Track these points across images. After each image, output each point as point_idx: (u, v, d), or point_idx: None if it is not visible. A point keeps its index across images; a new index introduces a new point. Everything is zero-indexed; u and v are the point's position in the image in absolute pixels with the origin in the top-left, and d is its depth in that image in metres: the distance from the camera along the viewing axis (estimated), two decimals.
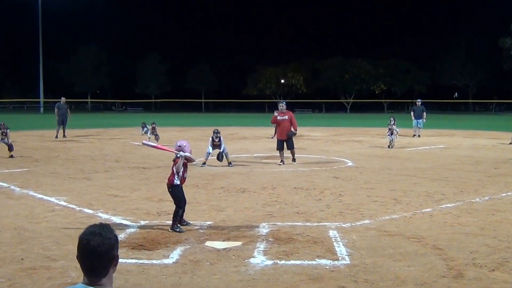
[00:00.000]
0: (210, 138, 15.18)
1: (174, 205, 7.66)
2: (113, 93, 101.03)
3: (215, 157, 14.90)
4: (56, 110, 26.63)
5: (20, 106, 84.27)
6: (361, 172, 13.96)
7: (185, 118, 55.39)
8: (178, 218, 7.53)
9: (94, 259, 2.44)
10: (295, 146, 16.06)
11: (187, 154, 7.61)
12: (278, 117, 15.65)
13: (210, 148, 15.03)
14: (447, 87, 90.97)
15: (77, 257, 2.50)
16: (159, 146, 8.82)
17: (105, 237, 2.46)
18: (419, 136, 27.04)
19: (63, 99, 27.10)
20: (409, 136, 26.77)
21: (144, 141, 8.51)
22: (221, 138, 15.12)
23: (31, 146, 21.01)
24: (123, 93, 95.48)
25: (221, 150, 14.87)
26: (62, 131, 26.16)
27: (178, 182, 7.64)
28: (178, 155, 7.58)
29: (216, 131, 15.19)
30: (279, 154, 15.62)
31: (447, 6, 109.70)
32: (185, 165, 7.70)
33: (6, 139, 16.84)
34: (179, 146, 7.67)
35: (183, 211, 7.63)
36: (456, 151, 19.71)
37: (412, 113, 28.12)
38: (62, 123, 26.17)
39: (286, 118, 15.58)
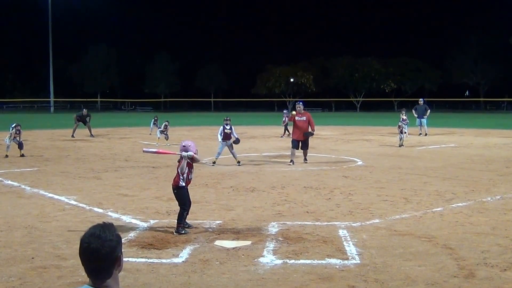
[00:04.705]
0: (221, 127, 14.95)
1: (179, 207, 7.60)
2: (122, 92, 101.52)
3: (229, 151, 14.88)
4: (75, 117, 26.86)
5: (30, 106, 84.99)
6: (371, 171, 13.90)
7: (194, 118, 55.54)
8: (183, 220, 7.47)
9: (96, 262, 2.39)
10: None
11: (190, 153, 7.49)
12: (296, 118, 15.55)
13: (220, 136, 14.85)
14: (458, 85, 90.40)
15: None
16: (161, 150, 8.72)
17: (106, 239, 2.40)
18: (426, 134, 26.95)
19: (84, 111, 27.18)
20: (418, 135, 26.68)
21: (144, 149, 8.42)
22: (232, 127, 14.90)
23: (41, 146, 21.15)
24: (133, 92, 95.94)
25: (234, 140, 14.73)
26: (88, 130, 26.76)
27: (184, 184, 7.56)
28: (182, 156, 7.51)
29: (227, 118, 14.97)
30: (290, 152, 15.53)
31: (458, 4, 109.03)
32: (190, 166, 7.59)
33: (18, 137, 17.03)
34: (184, 146, 7.58)
35: (187, 213, 7.60)
36: (467, 150, 19.57)
37: (414, 111, 28.03)
38: (83, 123, 26.67)
39: (304, 119, 15.49)
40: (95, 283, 2.42)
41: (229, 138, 14.84)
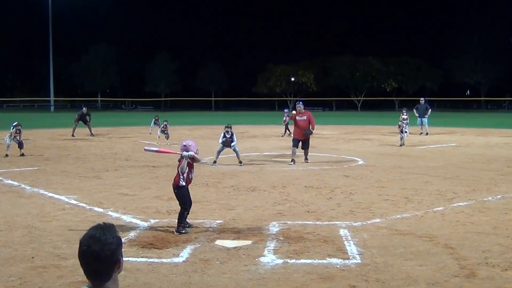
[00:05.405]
0: (222, 133, 15.12)
1: (179, 207, 7.59)
2: (123, 92, 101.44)
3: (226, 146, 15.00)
4: (76, 116, 27.02)
5: (30, 105, 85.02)
6: (372, 170, 13.88)
7: (194, 117, 55.51)
8: (184, 219, 7.45)
9: (95, 264, 2.37)
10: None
11: (190, 153, 7.45)
12: (297, 117, 15.60)
13: (221, 142, 14.96)
14: (459, 84, 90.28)
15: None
16: (162, 149, 8.71)
17: (106, 242, 2.38)
18: (427, 134, 26.95)
19: (84, 109, 27.26)
20: (419, 134, 26.69)
21: (145, 147, 8.43)
22: (233, 133, 15.05)
23: (41, 145, 21.13)
24: (133, 92, 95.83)
25: (232, 146, 14.86)
26: (89, 129, 26.89)
27: (184, 184, 7.53)
28: (182, 155, 7.49)
29: (228, 125, 15.11)
30: (291, 151, 15.52)
31: (459, 3, 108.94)
32: (190, 166, 7.55)
33: (18, 136, 17.00)
34: (184, 146, 7.55)
35: (188, 212, 7.58)
36: (468, 149, 19.55)
37: (415, 110, 28.01)
38: (83, 122, 26.90)
39: (305, 118, 15.53)
40: (94, 285, 2.41)
41: (229, 145, 14.94)
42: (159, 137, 22.21)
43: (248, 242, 6.89)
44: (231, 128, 15.07)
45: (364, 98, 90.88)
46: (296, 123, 15.66)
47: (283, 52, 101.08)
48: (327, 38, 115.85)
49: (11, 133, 17.03)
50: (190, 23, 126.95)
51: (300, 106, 15.88)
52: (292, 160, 15.28)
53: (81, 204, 9.30)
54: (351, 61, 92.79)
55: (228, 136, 14.89)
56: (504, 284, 5.40)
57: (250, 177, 12.62)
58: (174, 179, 7.61)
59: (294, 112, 15.99)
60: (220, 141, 15.08)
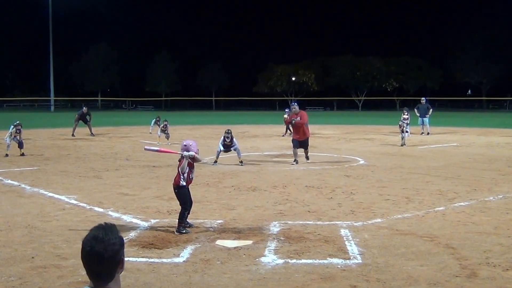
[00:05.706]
0: (222, 137, 15.19)
1: (180, 206, 7.57)
2: (123, 91, 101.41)
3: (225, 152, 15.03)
4: (77, 116, 27.12)
5: (30, 105, 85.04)
6: (373, 170, 13.86)
7: (195, 117, 55.48)
8: (184, 219, 7.43)
9: (99, 265, 2.37)
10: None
11: (191, 153, 7.41)
12: (293, 120, 15.64)
13: (221, 146, 15.04)
14: (460, 84, 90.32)
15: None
16: (162, 149, 8.69)
17: (109, 242, 2.38)
18: (428, 133, 26.92)
19: (84, 109, 27.33)
20: (420, 134, 26.67)
21: (146, 147, 8.41)
22: (233, 138, 15.11)
23: (41, 145, 21.12)
24: (133, 91, 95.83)
25: (234, 149, 14.92)
26: (89, 129, 26.93)
27: (184, 183, 7.50)
28: (183, 155, 7.48)
29: (228, 131, 15.18)
30: (293, 152, 15.53)
31: (460, 2, 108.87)
32: (191, 166, 7.52)
33: (19, 136, 16.98)
34: (185, 145, 7.51)
35: (189, 212, 7.56)
36: (469, 149, 19.53)
37: (416, 110, 27.98)
38: (83, 121, 26.98)
39: (299, 119, 15.56)
40: (97, 285, 2.40)
41: (229, 149, 15.04)
42: (159, 136, 22.20)
43: (249, 242, 6.88)
44: (231, 133, 15.11)
45: (365, 98, 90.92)
46: (292, 125, 15.72)
47: (284, 52, 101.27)
48: (328, 38, 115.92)
49: (11, 132, 17.00)
50: (190, 23, 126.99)
51: (295, 107, 15.91)
52: (295, 160, 15.26)
53: (81, 204, 9.28)
54: (352, 61, 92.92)
55: (227, 141, 14.95)
56: (505, 284, 5.38)
57: (251, 177, 12.60)
58: (175, 179, 7.58)
59: (286, 116, 16.06)
60: (221, 144, 15.11)
